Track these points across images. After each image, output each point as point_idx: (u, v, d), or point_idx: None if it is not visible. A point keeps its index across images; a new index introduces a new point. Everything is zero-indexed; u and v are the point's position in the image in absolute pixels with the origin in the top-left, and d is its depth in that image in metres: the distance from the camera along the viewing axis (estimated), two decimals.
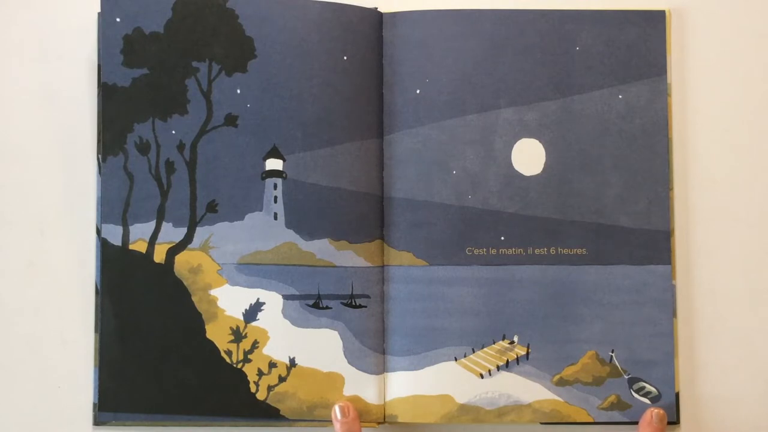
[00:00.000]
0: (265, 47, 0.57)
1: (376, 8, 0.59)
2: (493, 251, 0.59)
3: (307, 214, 0.58)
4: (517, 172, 0.59)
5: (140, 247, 0.58)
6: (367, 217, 0.59)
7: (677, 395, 0.59)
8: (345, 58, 0.58)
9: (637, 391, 0.58)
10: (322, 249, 0.58)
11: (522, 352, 0.59)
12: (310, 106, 0.57)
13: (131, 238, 0.58)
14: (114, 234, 0.57)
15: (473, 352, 0.59)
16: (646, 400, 0.58)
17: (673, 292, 0.59)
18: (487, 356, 0.59)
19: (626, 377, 0.59)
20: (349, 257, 0.58)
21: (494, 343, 0.59)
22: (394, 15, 0.59)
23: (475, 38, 0.59)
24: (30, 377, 0.59)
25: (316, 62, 0.57)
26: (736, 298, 0.61)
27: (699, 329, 0.60)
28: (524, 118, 0.59)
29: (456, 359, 0.59)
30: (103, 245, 0.57)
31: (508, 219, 0.59)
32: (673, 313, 0.59)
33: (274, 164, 0.57)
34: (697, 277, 0.61)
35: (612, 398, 0.59)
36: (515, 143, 0.59)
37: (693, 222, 0.61)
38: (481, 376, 0.59)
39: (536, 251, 0.59)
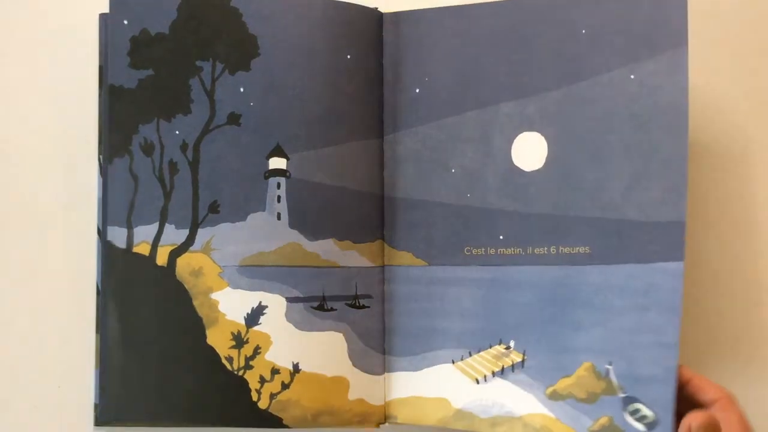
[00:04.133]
0: (269, 45, 0.56)
1: (377, 8, 0.58)
2: (492, 251, 0.56)
3: (312, 214, 0.56)
4: (517, 167, 0.56)
5: (143, 249, 0.56)
6: (370, 216, 0.57)
7: None
8: (348, 57, 0.57)
9: (631, 414, 0.51)
10: (327, 249, 0.56)
11: (518, 358, 0.55)
12: (314, 105, 0.56)
13: (135, 240, 0.57)
14: (119, 237, 0.56)
15: (470, 355, 0.56)
16: (641, 426, 0.51)
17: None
18: (483, 361, 0.56)
19: (621, 396, 0.52)
20: (353, 257, 0.56)
21: (490, 347, 0.56)
22: (393, 15, 0.59)
23: (474, 33, 0.57)
24: (30, 377, 0.59)
25: (320, 61, 0.57)
26: (736, 298, 0.59)
27: (699, 329, 0.59)
28: (525, 111, 0.56)
29: (453, 362, 0.56)
30: (108, 248, 0.56)
31: (507, 217, 0.56)
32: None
33: (277, 163, 0.56)
34: (698, 275, 0.59)
35: (604, 420, 0.52)
36: (516, 138, 0.56)
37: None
38: (477, 381, 0.56)
39: (536, 251, 0.55)
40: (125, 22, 0.57)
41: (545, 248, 0.55)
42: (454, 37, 0.57)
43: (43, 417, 0.59)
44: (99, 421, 0.56)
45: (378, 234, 0.57)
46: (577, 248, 0.54)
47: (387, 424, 0.57)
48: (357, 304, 0.56)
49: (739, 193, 0.60)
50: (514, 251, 0.56)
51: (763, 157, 0.60)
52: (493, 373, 0.56)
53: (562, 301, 0.54)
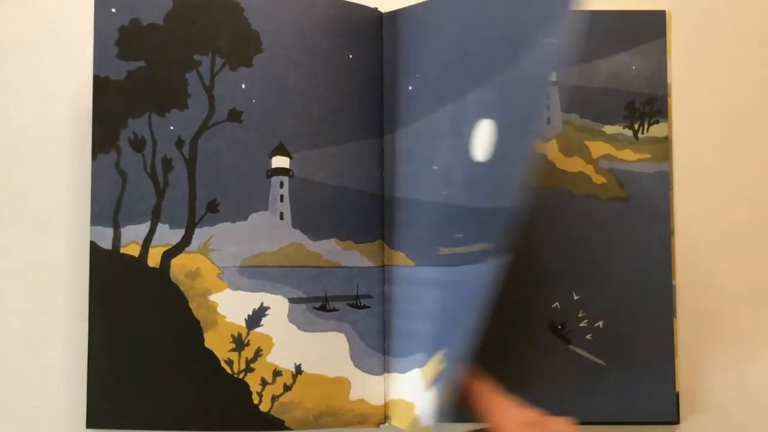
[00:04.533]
0: (272, 42, 0.55)
1: (377, 8, 0.59)
2: (452, 250, 0.53)
3: (314, 214, 0.56)
4: (473, 159, 0.51)
5: (133, 250, 0.54)
6: (371, 216, 0.57)
7: (677, 395, 0.58)
8: (351, 56, 0.57)
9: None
10: (329, 249, 0.56)
11: (443, 366, 0.51)
12: (317, 104, 0.56)
13: (123, 240, 0.54)
14: (104, 237, 0.53)
15: (430, 359, 0.53)
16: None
17: (672, 292, 0.59)
18: (433, 366, 0.54)
19: None
20: (355, 257, 0.56)
21: (438, 352, 0.52)
22: (392, 14, 0.59)
23: (455, 23, 0.55)
24: (29, 377, 0.58)
25: (323, 59, 0.56)
26: (735, 297, 0.61)
27: (699, 329, 0.61)
28: (485, 97, 0.51)
29: (420, 366, 0.55)
30: (92, 249, 0.53)
31: (464, 213, 0.52)
32: (673, 313, 0.59)
33: (280, 162, 0.55)
34: (698, 275, 0.61)
35: None
36: (475, 127, 0.51)
37: (694, 214, 0.60)
38: (429, 388, 0.53)
39: (473, 248, 0.50)
40: (113, 10, 0.54)
41: (478, 245, 0.49)
42: (439, 30, 0.56)
43: (41, 416, 0.58)
44: (90, 425, 0.53)
45: (378, 234, 0.57)
46: (484, 244, 0.48)
47: (387, 424, 0.57)
48: (358, 304, 0.56)
49: (739, 191, 0.62)
50: (462, 250, 0.52)
51: (763, 154, 0.62)
52: (434, 380, 0.52)
53: (465, 303, 0.49)
